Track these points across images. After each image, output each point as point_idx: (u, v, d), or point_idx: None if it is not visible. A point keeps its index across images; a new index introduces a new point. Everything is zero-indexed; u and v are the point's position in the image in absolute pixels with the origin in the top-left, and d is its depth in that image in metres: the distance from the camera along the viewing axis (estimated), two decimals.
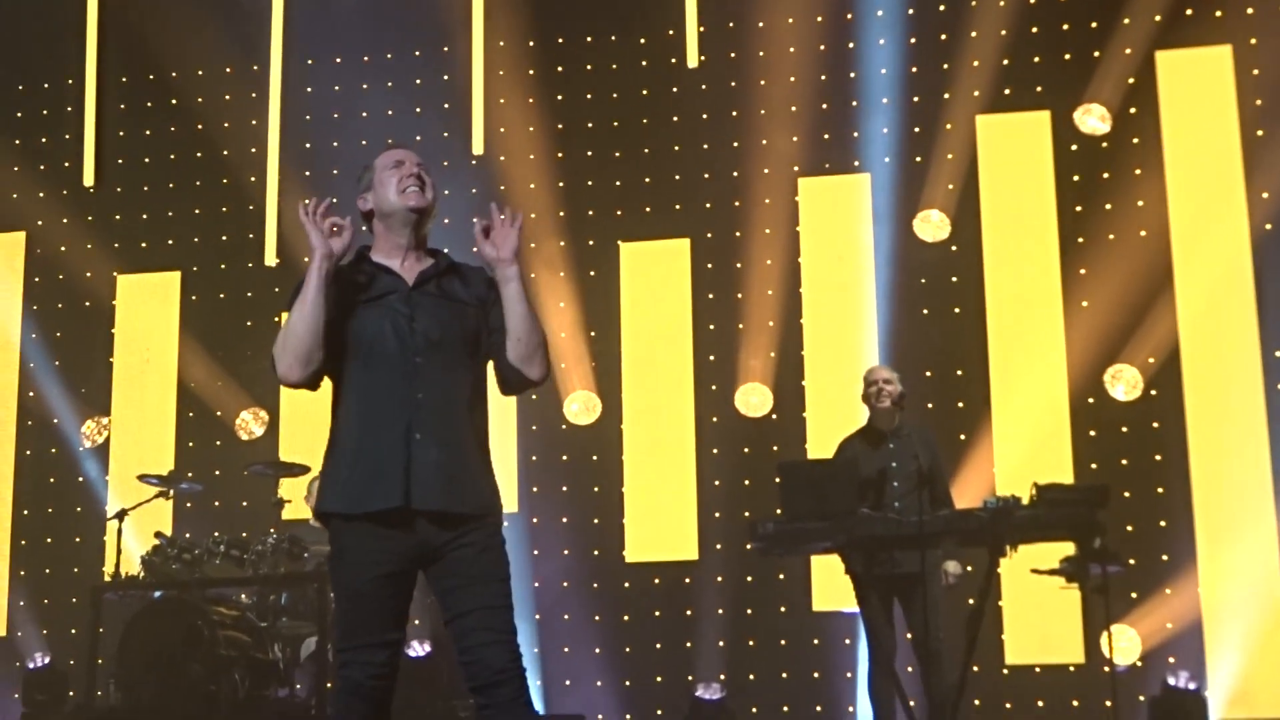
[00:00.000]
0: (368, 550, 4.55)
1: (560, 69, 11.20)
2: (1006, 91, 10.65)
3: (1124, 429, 10.19)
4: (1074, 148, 10.52)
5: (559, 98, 11.15)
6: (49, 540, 11.16)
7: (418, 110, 11.18)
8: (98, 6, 11.60)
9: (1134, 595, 9.77)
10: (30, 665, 10.43)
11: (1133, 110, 10.49)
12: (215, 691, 8.66)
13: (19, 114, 11.67)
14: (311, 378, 4.66)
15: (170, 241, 11.50)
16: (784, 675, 10.18)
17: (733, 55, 10.99)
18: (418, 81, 11.26)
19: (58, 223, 11.48)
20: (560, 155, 11.08)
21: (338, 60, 11.39)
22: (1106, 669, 7.89)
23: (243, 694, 8.75)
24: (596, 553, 10.61)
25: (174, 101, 11.52)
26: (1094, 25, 10.60)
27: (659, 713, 10.28)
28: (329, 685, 8.67)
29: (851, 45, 10.88)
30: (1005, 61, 10.63)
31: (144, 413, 11.17)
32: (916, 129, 10.69)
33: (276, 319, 10.42)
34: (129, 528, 9.68)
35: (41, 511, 11.24)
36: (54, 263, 11.47)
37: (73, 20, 11.57)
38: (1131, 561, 8.74)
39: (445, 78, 11.26)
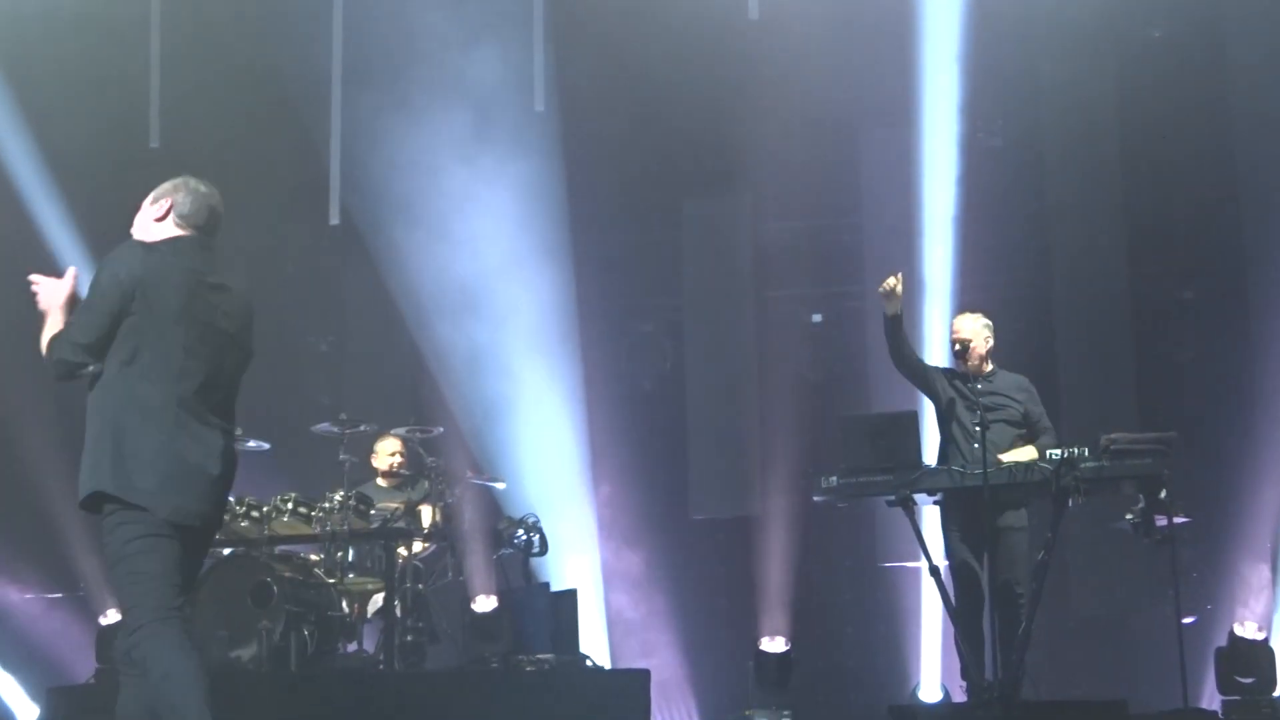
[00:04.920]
0: None
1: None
2: None
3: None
4: None
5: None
6: None
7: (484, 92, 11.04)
8: None
9: (1201, 545, 9.68)
10: (103, 621, 10.56)
11: None
12: (284, 647, 8.75)
13: None
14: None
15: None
16: (849, 629, 10.18)
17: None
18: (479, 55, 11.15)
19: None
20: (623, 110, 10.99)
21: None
22: (1175, 620, 7.83)
23: (311, 649, 8.84)
24: (661, 509, 10.63)
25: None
26: None
27: (725, 667, 10.31)
28: (397, 640, 8.77)
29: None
30: None
31: None
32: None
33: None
34: None
35: None
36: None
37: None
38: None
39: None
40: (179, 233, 5.21)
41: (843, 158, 11.02)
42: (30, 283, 5.20)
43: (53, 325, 5.06)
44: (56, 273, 5.32)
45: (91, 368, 5.00)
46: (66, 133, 11.06)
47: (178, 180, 5.29)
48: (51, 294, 5.13)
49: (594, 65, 11.06)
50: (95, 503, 5.01)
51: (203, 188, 5.29)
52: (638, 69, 10.94)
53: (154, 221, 5.24)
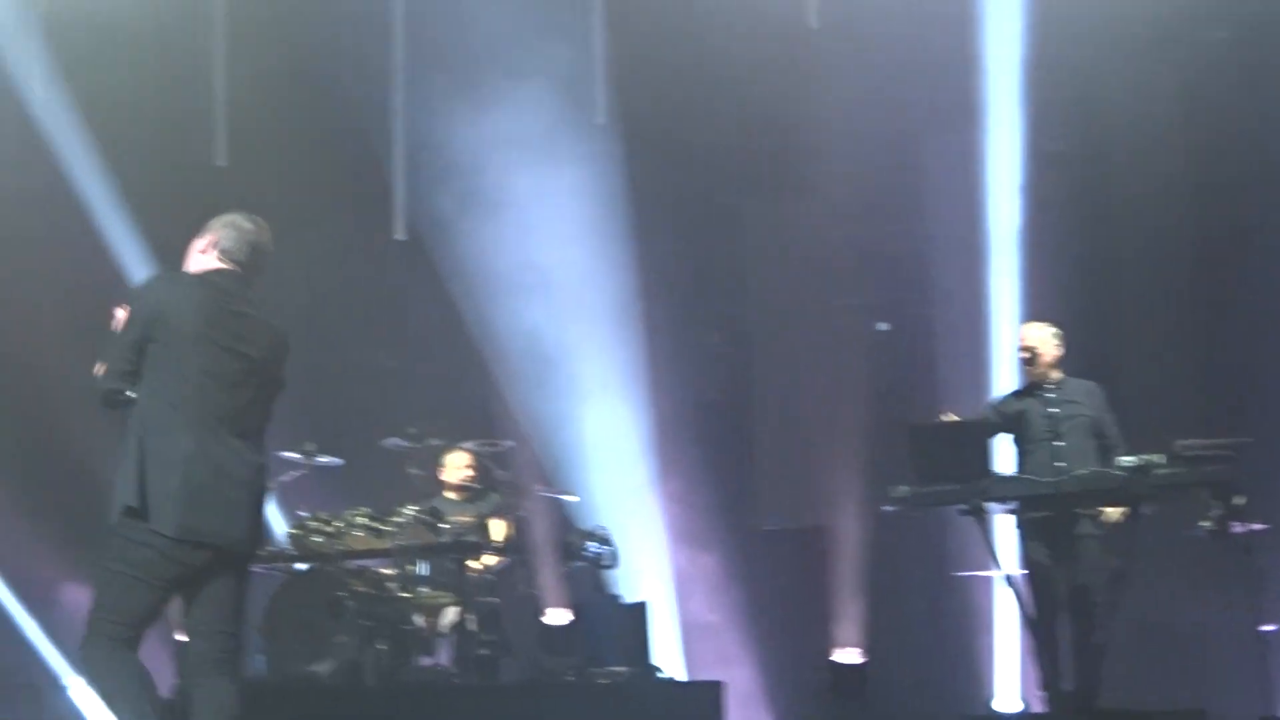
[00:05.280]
0: None
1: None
2: None
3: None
4: None
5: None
6: None
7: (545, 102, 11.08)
8: None
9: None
10: (178, 637, 10.64)
11: None
12: (360, 661, 8.81)
13: None
14: None
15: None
16: (923, 639, 10.13)
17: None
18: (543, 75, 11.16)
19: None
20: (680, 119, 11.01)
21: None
22: (1254, 628, 7.76)
23: (386, 663, 8.89)
24: (730, 520, 10.63)
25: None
26: None
27: (798, 678, 10.29)
28: (470, 653, 8.82)
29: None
30: None
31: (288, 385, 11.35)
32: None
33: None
34: (271, 502, 9.90)
35: None
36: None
37: None
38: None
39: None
40: (219, 266, 5.39)
41: (906, 163, 10.99)
42: (111, 314, 5.35)
43: None
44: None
45: (129, 393, 5.15)
46: (134, 150, 11.18)
47: (229, 216, 5.46)
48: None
49: (654, 76, 11.06)
50: None
51: (248, 225, 5.45)
52: (698, 79, 10.94)
53: (199, 253, 5.44)
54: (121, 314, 5.28)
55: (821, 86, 10.87)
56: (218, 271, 5.37)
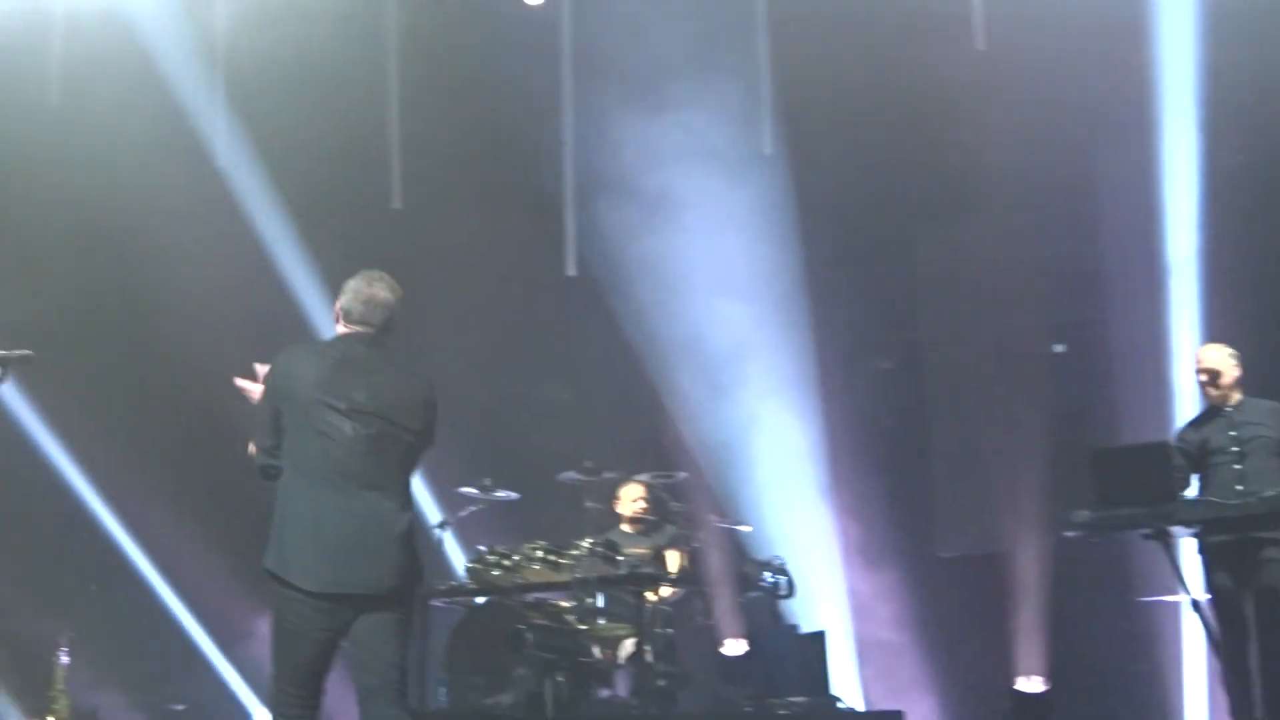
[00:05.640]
0: None
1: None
2: None
3: None
4: None
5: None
6: None
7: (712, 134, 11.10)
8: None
9: None
10: None
11: None
12: (539, 693, 8.89)
13: None
14: None
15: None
16: (1108, 667, 9.92)
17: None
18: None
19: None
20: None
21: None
22: None
23: (565, 695, 8.96)
24: (908, 547, 10.53)
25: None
26: None
27: (980, 708, 10.14)
28: (649, 685, 8.85)
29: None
30: None
31: (454, 428, 11.54)
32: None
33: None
34: (451, 537, 10.11)
35: None
36: None
37: None
38: None
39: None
40: (346, 330, 5.72)
41: (1078, 181, 10.83)
42: (240, 388, 5.85)
43: None
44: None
45: (275, 462, 5.55)
46: (311, 192, 11.48)
47: (351, 280, 5.79)
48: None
49: (821, 103, 11.05)
50: None
51: (365, 285, 5.74)
52: (865, 105, 10.90)
53: (335, 324, 5.78)
54: (245, 385, 5.78)
55: (990, 107, 10.75)
56: (341, 337, 5.70)
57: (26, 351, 6.36)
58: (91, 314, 11.75)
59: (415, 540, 5.63)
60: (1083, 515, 7.42)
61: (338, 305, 5.75)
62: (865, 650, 10.36)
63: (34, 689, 9.82)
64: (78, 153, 11.14)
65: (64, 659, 9.19)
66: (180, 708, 10.77)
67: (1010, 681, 9.86)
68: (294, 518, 5.43)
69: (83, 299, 11.74)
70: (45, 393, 10.97)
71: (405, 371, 5.74)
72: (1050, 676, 9.83)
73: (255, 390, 5.75)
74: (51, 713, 8.95)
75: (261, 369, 5.74)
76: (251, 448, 5.62)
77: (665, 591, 9.40)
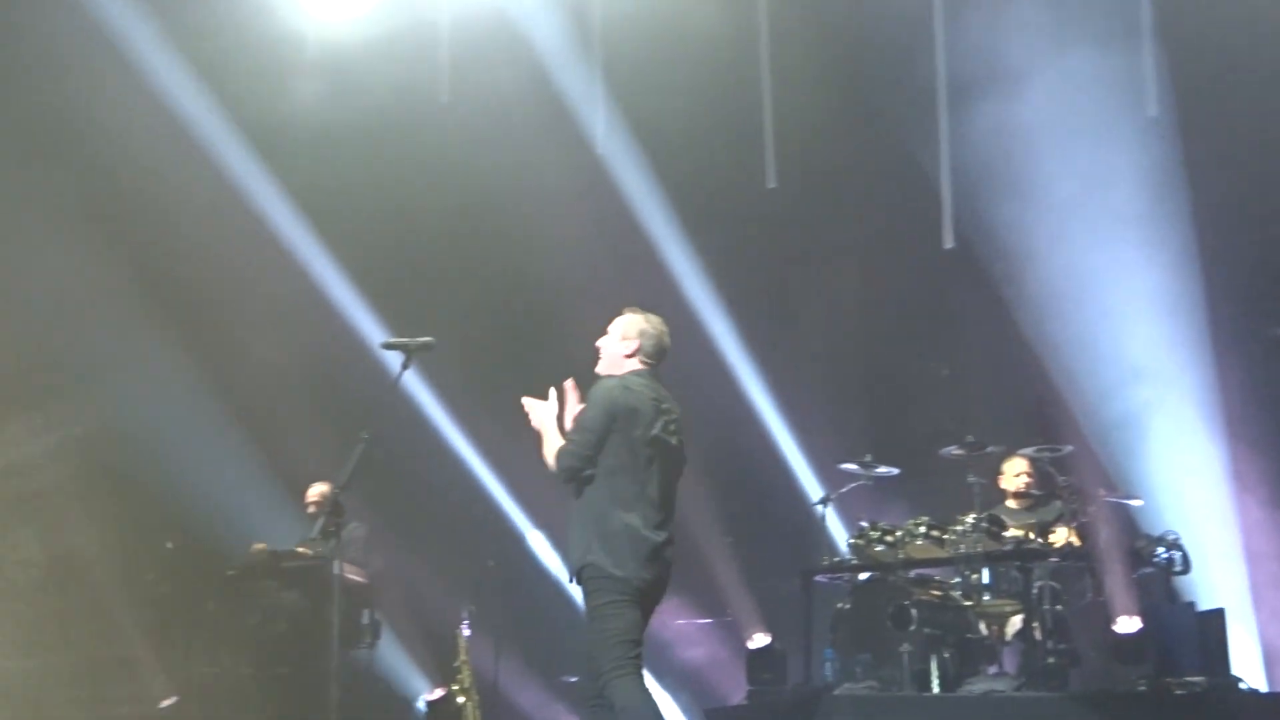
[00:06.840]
0: None
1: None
2: None
3: None
4: None
5: None
6: (760, 526, 11.81)
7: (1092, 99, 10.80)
8: None
9: None
10: (750, 645, 11.01)
11: None
12: (925, 670, 8.87)
13: None
14: None
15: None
16: None
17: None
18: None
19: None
20: None
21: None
22: None
23: (952, 671, 8.91)
24: None
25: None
26: None
27: None
28: (1037, 663, 8.70)
29: None
30: None
31: (834, 404, 11.60)
32: None
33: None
34: (833, 512, 10.17)
35: (753, 499, 11.91)
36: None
37: None
38: None
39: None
40: (639, 367, 6.63)
41: None
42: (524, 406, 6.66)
43: (551, 439, 6.53)
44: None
45: (587, 471, 6.41)
46: (688, 173, 11.68)
47: (639, 322, 6.70)
48: (543, 415, 6.62)
49: (1206, 66, 10.57)
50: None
51: (653, 329, 6.70)
52: (1257, 66, 10.37)
53: (624, 357, 6.65)
54: (532, 404, 6.62)
55: None
56: (643, 371, 6.63)
57: (428, 339, 6.72)
58: (477, 299, 12.29)
59: None
60: None
61: (636, 345, 6.63)
62: (1267, 629, 9.89)
63: (440, 661, 10.37)
64: (466, 148, 11.65)
65: (466, 632, 9.67)
66: (573, 679, 11.15)
67: None
68: (621, 525, 6.33)
69: (474, 286, 12.29)
70: (442, 377, 11.51)
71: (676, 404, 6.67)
72: None
73: (542, 410, 6.57)
74: (456, 682, 9.45)
75: (533, 401, 6.61)
76: (560, 451, 6.43)
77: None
